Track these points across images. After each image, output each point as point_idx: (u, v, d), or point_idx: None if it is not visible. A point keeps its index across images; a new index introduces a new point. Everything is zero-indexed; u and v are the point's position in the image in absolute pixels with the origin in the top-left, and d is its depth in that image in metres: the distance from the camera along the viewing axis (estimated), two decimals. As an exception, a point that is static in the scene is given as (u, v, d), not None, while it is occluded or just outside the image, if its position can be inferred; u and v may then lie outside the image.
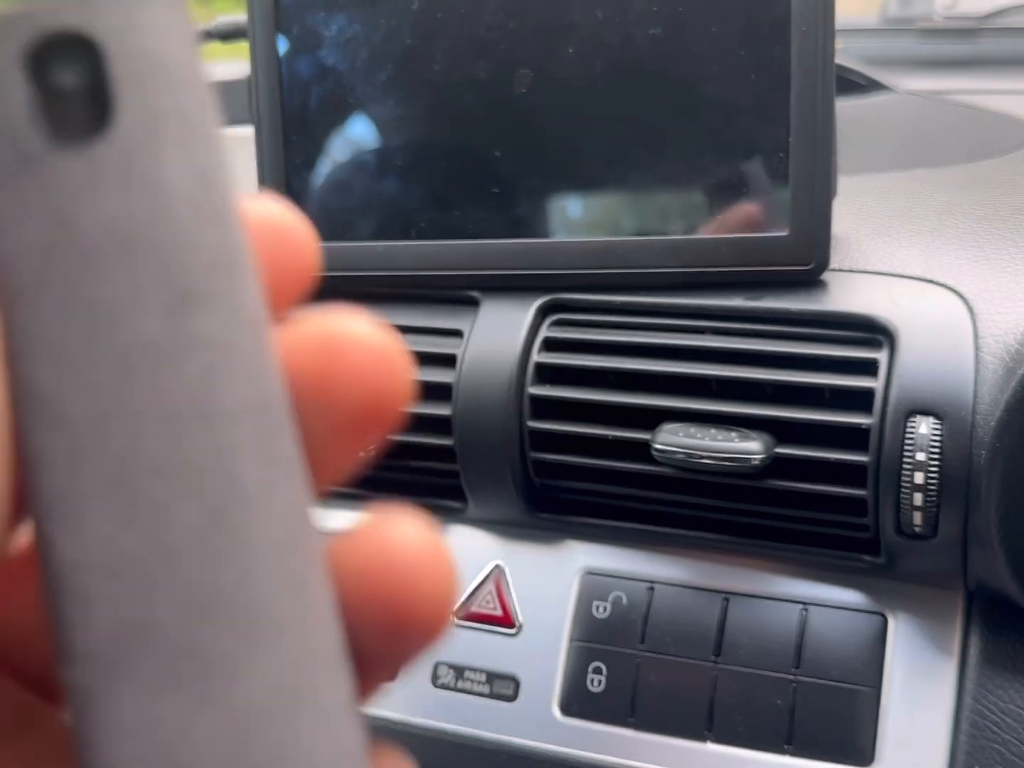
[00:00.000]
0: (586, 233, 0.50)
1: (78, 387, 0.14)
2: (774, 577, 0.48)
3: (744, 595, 0.48)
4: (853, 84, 0.80)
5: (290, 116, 0.52)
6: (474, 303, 0.51)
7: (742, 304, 0.47)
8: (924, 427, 0.42)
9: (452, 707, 0.50)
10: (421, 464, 0.52)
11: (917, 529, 0.43)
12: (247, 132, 0.53)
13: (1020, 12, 0.85)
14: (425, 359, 0.51)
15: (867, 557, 0.46)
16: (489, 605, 0.51)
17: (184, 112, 0.14)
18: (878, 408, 0.43)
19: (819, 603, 0.47)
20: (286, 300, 0.16)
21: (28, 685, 0.17)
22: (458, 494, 0.52)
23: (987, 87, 0.80)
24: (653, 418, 0.46)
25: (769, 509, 0.47)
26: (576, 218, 0.50)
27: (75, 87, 0.14)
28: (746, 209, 0.47)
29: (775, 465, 0.45)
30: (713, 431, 0.45)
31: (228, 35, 0.61)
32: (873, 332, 0.45)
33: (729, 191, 0.47)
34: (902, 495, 0.42)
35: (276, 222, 0.16)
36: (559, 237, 0.50)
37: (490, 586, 0.52)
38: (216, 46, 0.62)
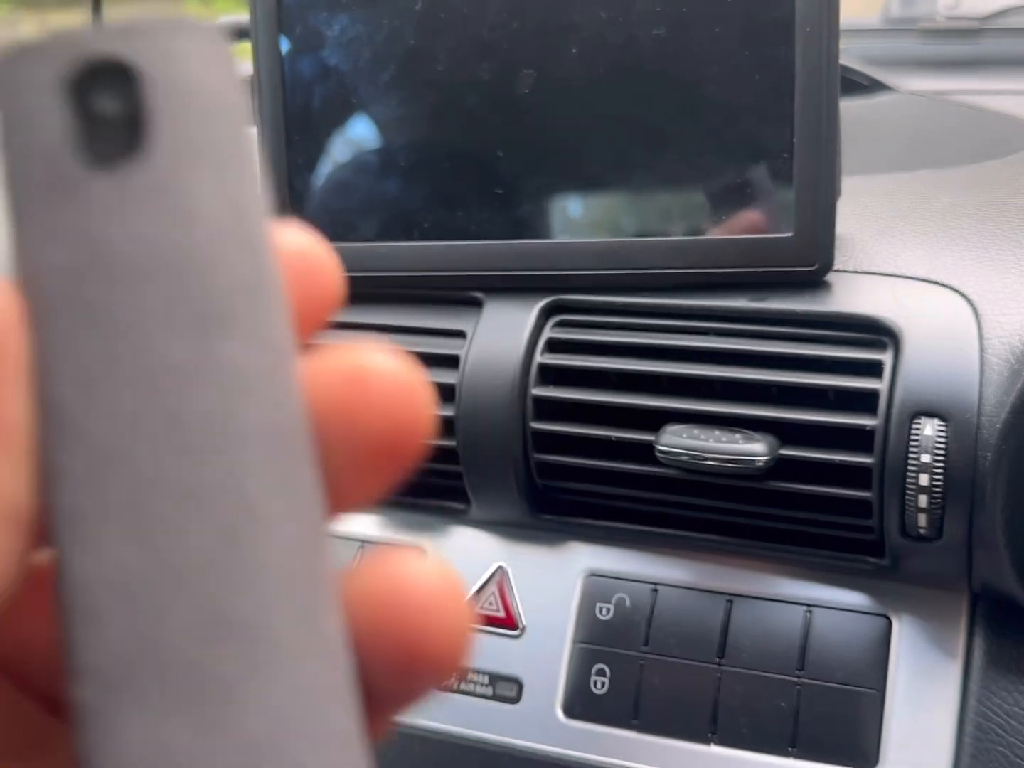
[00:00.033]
0: (590, 234, 0.49)
1: (101, 406, 0.14)
2: (778, 579, 0.48)
3: (748, 597, 0.48)
4: (855, 84, 0.80)
5: (293, 116, 0.52)
6: (477, 304, 0.51)
7: (746, 305, 0.47)
8: (929, 429, 0.42)
9: (455, 709, 0.50)
10: (424, 465, 0.52)
11: (922, 531, 0.43)
12: (249, 132, 0.52)
13: (1022, 12, 0.85)
14: (428, 360, 0.50)
15: (871, 559, 0.46)
16: (492, 607, 0.51)
17: (218, 140, 0.15)
18: (882, 410, 0.43)
19: (823, 605, 0.47)
20: (311, 328, 0.16)
21: (48, 707, 0.17)
22: (461, 495, 0.52)
23: (989, 88, 0.79)
24: (657, 419, 0.46)
25: (773, 511, 0.47)
26: (579, 218, 0.50)
27: (112, 112, 0.14)
28: (750, 217, 0.47)
29: (779, 467, 0.44)
30: (717, 432, 0.45)
31: (231, 35, 0.61)
32: (877, 333, 0.45)
33: (733, 192, 0.47)
34: (907, 497, 0.42)
35: (304, 252, 0.16)
36: (562, 238, 0.49)
37: (493, 588, 0.51)
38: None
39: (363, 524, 0.54)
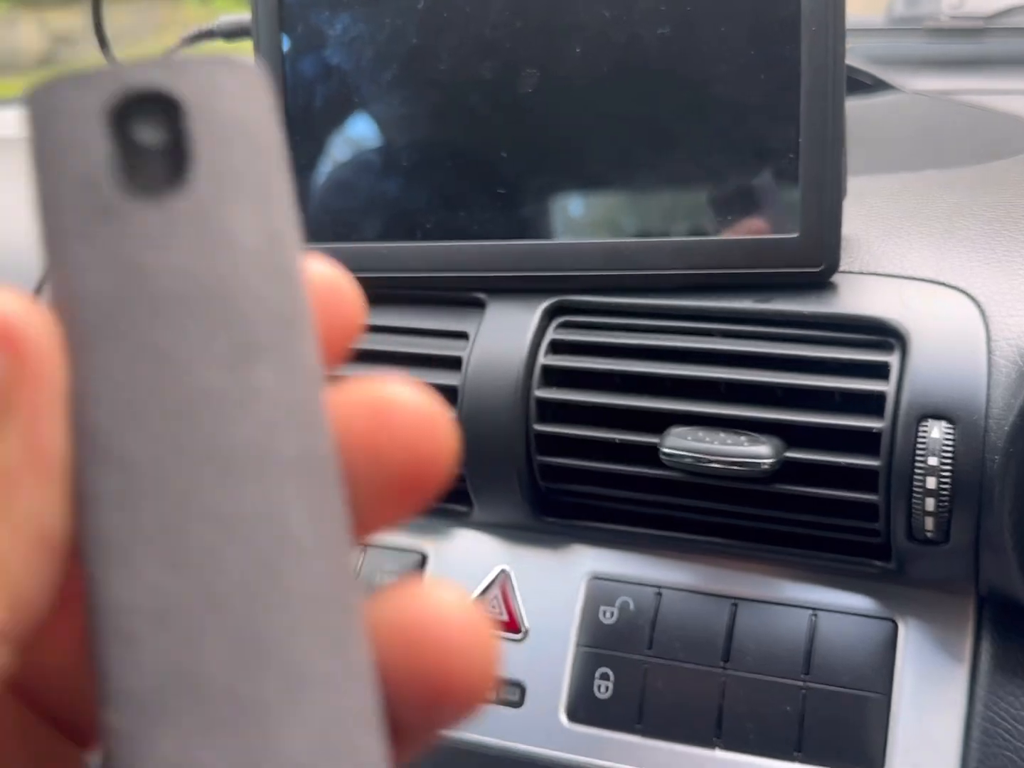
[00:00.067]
0: (593, 234, 0.49)
1: (138, 432, 0.14)
2: (783, 582, 0.48)
3: (753, 600, 0.48)
4: (859, 84, 0.79)
5: (294, 116, 0.52)
6: (480, 305, 0.51)
7: (751, 306, 0.47)
8: (936, 431, 0.42)
9: (457, 713, 0.50)
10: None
11: (929, 534, 0.42)
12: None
13: (1026, 12, 0.84)
14: (430, 362, 0.50)
15: (877, 562, 0.46)
16: (495, 610, 0.51)
17: (257, 172, 0.15)
18: (889, 412, 0.43)
19: (829, 608, 0.47)
20: (335, 358, 0.17)
21: (58, 726, 0.17)
22: (463, 498, 0.52)
23: (994, 87, 0.79)
24: (661, 421, 0.46)
25: (778, 513, 0.46)
26: (583, 219, 0.50)
27: (154, 143, 0.14)
28: (756, 224, 0.46)
29: (785, 469, 0.44)
30: (722, 435, 0.45)
31: (232, 34, 0.61)
32: (884, 335, 0.45)
33: (738, 192, 0.47)
34: (914, 500, 0.42)
35: (329, 283, 0.17)
36: (566, 238, 0.49)
37: (496, 591, 0.51)
38: (219, 45, 0.62)
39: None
